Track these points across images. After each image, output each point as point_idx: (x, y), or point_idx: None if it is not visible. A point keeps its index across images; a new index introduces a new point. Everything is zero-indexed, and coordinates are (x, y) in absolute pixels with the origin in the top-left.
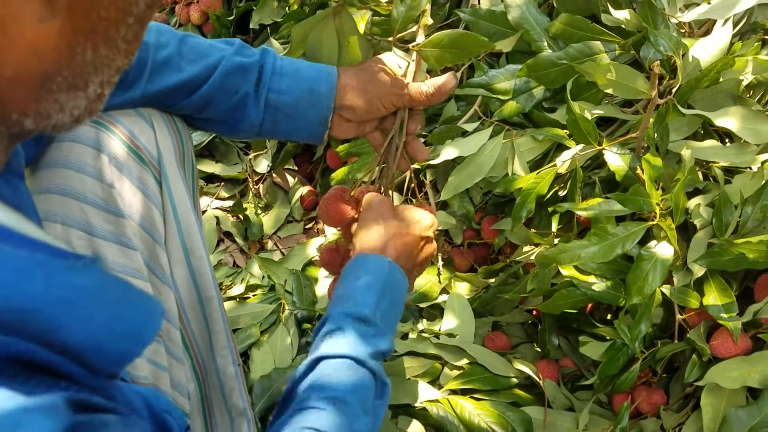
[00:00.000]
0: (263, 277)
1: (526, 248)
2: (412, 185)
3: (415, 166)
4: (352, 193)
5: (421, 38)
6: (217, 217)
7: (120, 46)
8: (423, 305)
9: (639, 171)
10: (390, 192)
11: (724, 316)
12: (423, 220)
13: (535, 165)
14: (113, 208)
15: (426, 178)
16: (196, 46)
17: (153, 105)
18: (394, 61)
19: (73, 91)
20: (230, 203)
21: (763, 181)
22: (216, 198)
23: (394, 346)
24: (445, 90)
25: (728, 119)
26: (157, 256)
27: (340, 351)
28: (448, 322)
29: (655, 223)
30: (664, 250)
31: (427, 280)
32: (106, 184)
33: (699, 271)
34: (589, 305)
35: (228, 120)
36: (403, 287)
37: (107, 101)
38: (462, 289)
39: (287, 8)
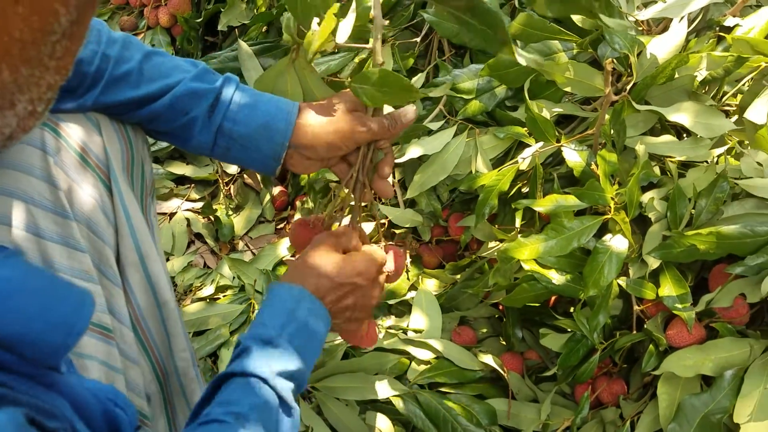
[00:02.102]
0: (233, 277)
1: (491, 244)
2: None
3: None
4: (317, 219)
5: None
6: (187, 219)
7: (48, 64)
8: (391, 302)
9: (594, 167)
10: (357, 224)
11: (679, 306)
12: (355, 266)
13: (498, 162)
14: (60, 210)
15: (394, 177)
16: (159, 65)
17: (102, 113)
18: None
19: None
20: (201, 205)
21: (716, 174)
22: (187, 200)
23: (308, 370)
24: (405, 121)
25: (681, 114)
26: (106, 259)
27: (244, 369)
28: (416, 318)
29: (609, 216)
30: (618, 243)
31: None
32: (53, 186)
33: (654, 263)
34: (553, 298)
35: (178, 135)
36: (317, 313)
37: (56, 105)
38: (431, 285)
39: (255, 10)
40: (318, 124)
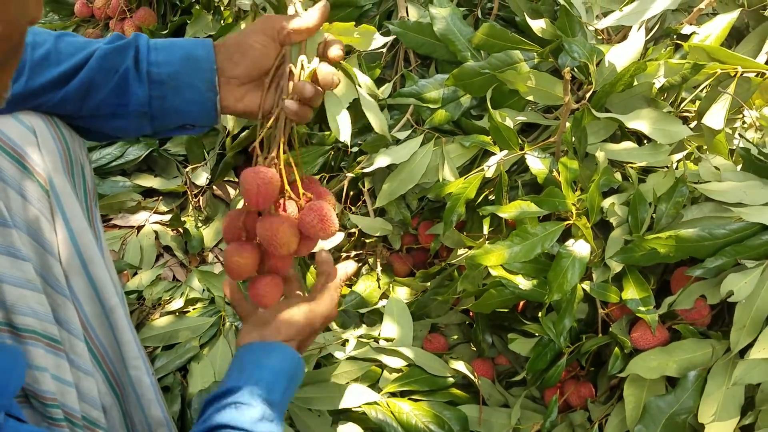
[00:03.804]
0: (203, 290)
1: (461, 251)
2: (351, 193)
3: (350, 174)
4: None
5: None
6: (156, 232)
7: None
8: (363, 311)
9: (556, 173)
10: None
11: (642, 309)
12: (325, 313)
13: (464, 170)
14: None
15: (364, 186)
16: (72, 42)
17: (35, 101)
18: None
19: None
20: (170, 217)
21: (675, 179)
22: (155, 212)
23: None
24: (323, 11)
25: (640, 122)
26: (49, 266)
27: (243, 426)
28: (387, 326)
29: (572, 222)
30: (581, 248)
31: (367, 286)
32: None
33: (616, 267)
34: (521, 304)
35: (114, 106)
36: (301, 378)
37: None
38: (402, 293)
39: (222, 21)
40: (233, 38)
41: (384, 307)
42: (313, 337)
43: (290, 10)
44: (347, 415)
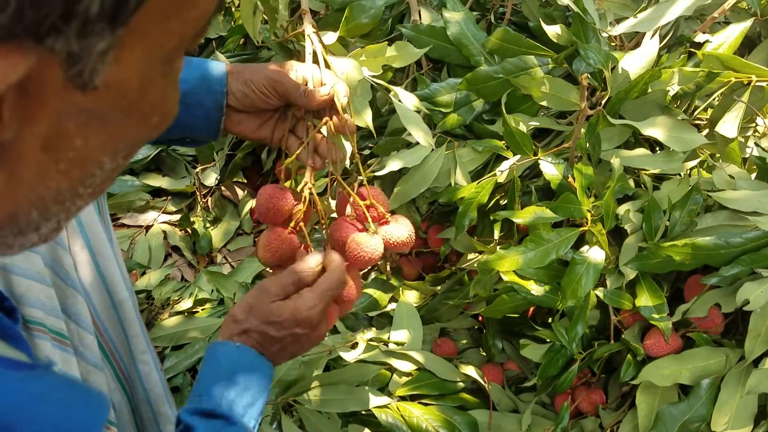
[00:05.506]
0: (212, 290)
1: (471, 256)
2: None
3: (360, 177)
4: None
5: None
6: (164, 232)
7: (83, 193)
8: (372, 314)
9: (571, 179)
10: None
11: (656, 316)
12: (295, 315)
13: (476, 175)
14: None
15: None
16: None
17: None
18: (306, 69)
19: (22, 236)
20: (178, 217)
21: (689, 187)
22: (163, 212)
23: (258, 416)
24: (332, 94)
25: (655, 129)
26: (59, 258)
27: None
28: (397, 330)
29: (586, 228)
30: (595, 254)
31: (375, 290)
32: None
33: (630, 274)
34: (531, 309)
35: None
36: (258, 368)
37: None
38: (411, 297)
39: (233, 22)
40: (236, 68)
41: (394, 310)
42: (288, 348)
43: (308, 48)
44: (357, 418)
